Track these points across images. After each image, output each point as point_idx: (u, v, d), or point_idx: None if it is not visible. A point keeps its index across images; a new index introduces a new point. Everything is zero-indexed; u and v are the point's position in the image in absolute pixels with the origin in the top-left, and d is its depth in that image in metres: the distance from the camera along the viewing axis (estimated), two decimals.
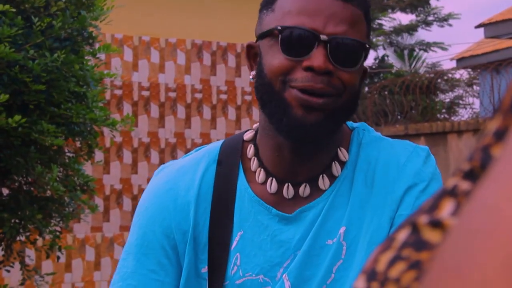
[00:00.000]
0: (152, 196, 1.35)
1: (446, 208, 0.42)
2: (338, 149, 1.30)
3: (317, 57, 1.18)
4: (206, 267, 1.30)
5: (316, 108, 1.19)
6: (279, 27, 1.20)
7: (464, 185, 0.42)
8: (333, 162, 1.29)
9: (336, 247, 1.24)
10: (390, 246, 0.44)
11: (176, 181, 1.34)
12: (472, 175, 0.42)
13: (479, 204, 0.32)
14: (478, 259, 0.29)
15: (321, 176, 1.29)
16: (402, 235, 0.44)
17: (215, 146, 1.38)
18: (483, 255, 0.29)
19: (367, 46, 1.22)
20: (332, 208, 1.27)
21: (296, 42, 1.19)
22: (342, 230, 1.25)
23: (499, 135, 0.39)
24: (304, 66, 1.19)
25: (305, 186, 1.29)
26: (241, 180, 1.32)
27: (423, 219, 0.43)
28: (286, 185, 1.28)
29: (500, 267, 0.28)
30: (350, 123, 1.37)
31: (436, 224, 0.42)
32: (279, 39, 1.19)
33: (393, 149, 1.30)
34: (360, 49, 1.21)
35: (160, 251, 1.31)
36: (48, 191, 3.92)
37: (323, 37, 1.18)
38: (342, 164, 1.30)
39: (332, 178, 1.29)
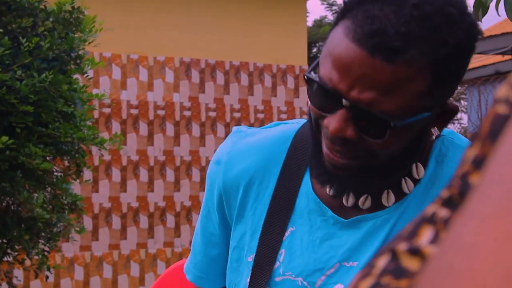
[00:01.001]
0: (221, 159, 1.30)
1: (425, 236, 0.42)
2: (414, 165, 1.16)
3: (335, 121, 1.04)
4: (253, 256, 1.24)
5: (339, 167, 1.09)
6: (306, 76, 1.07)
7: (443, 212, 0.42)
8: (404, 178, 1.16)
9: None
10: (370, 273, 0.44)
11: (240, 157, 1.28)
12: (451, 203, 0.42)
13: (456, 241, 0.32)
14: None
15: (386, 191, 1.17)
16: (382, 262, 0.44)
17: (293, 128, 1.28)
18: None
19: (393, 124, 1.01)
20: (397, 227, 1.16)
21: (319, 97, 1.06)
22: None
23: (478, 163, 0.39)
24: (324, 124, 1.07)
25: (367, 197, 1.17)
26: (306, 174, 1.23)
27: (402, 246, 0.43)
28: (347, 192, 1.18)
29: None
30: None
31: (415, 252, 0.42)
32: (307, 87, 1.08)
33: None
34: (385, 123, 1.01)
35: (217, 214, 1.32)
36: (37, 211, 3.91)
37: (345, 102, 1.02)
38: (416, 181, 1.17)
39: (401, 194, 1.17)
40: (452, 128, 14.43)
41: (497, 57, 12.60)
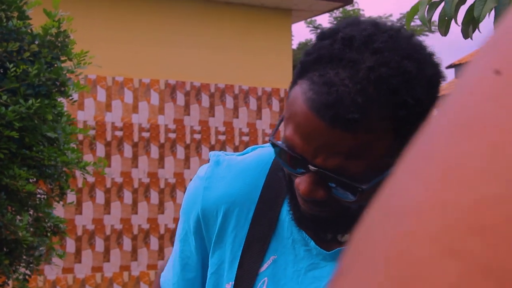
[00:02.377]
0: (192, 188, 1.32)
1: None
2: None
3: (305, 184, 1.05)
4: (231, 283, 1.24)
5: (314, 215, 1.10)
6: (270, 141, 1.08)
7: None
8: None
9: None
10: None
11: (220, 183, 1.28)
12: None
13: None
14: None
15: None
16: None
17: (271, 152, 1.26)
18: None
19: (361, 189, 1.01)
20: None
21: (287, 160, 1.06)
22: None
23: None
24: (295, 183, 1.08)
25: (344, 233, 1.18)
26: (286, 202, 1.22)
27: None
28: None
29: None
30: None
31: None
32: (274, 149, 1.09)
33: None
34: (352, 190, 1.02)
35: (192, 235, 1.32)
36: (20, 234, 3.89)
37: (312, 168, 1.02)
38: None
39: None
40: None
41: None
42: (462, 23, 1.97)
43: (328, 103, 0.96)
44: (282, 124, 1.10)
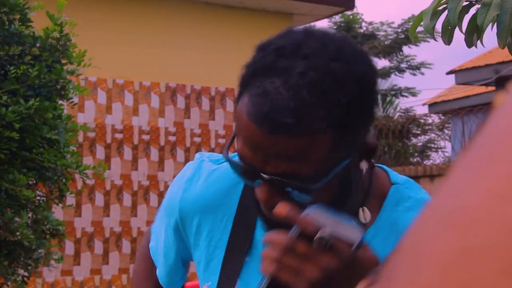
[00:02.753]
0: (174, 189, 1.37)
1: None
2: (360, 209, 1.19)
3: (262, 193, 1.09)
4: (207, 285, 1.28)
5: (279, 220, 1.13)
6: (224, 156, 1.14)
7: None
8: None
9: None
10: None
11: (197, 187, 1.33)
12: None
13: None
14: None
15: None
16: None
17: None
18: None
19: (314, 187, 1.05)
20: None
21: (243, 172, 1.12)
22: None
23: None
24: (255, 190, 1.13)
25: None
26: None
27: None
28: None
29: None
30: (393, 176, 1.24)
31: None
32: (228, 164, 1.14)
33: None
34: (305, 190, 1.06)
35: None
36: (17, 236, 3.88)
37: (264, 176, 1.06)
38: (363, 225, 1.17)
39: None
40: (435, 157, 14.52)
41: (481, 88, 12.72)
42: (465, 32, 1.97)
43: (264, 112, 1.01)
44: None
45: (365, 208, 1.19)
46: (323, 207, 1.02)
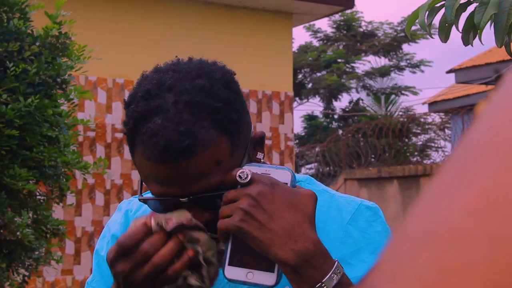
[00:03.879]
0: None
1: None
2: None
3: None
4: None
5: None
6: (140, 200, 1.21)
7: None
8: None
9: None
10: None
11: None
12: None
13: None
14: None
15: None
16: None
17: None
18: None
19: (219, 195, 1.15)
20: None
21: (163, 208, 1.18)
22: None
23: None
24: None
25: None
26: None
27: None
28: None
29: None
30: (296, 177, 1.32)
31: None
32: (148, 205, 1.21)
33: (338, 203, 1.27)
34: (221, 196, 1.14)
35: None
36: (18, 235, 3.89)
37: (182, 200, 1.15)
38: None
39: None
40: (435, 156, 14.52)
41: (481, 87, 12.73)
42: (462, 30, 1.97)
43: (162, 148, 1.09)
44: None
45: None
46: (256, 164, 1.15)
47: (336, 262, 1.07)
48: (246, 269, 1.09)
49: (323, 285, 1.03)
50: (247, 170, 1.08)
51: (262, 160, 1.25)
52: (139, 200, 1.21)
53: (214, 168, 1.12)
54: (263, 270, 1.08)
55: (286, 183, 1.10)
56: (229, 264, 1.09)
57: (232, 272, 1.09)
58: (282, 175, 1.11)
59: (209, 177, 1.13)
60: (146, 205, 1.26)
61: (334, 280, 1.04)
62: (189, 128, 1.09)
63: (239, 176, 1.08)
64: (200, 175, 1.12)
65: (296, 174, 1.30)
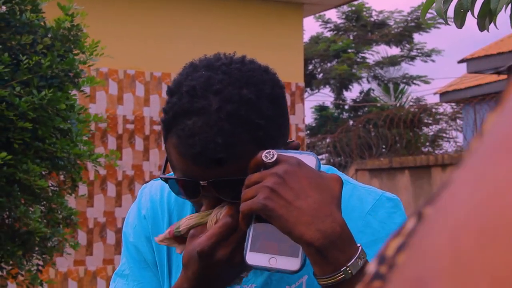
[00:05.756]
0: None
1: None
2: None
3: (205, 202, 1.19)
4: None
5: None
6: (162, 178, 1.22)
7: None
8: None
9: None
10: (400, 232, 0.48)
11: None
12: None
13: (403, 276, 0.33)
14: None
15: None
16: (410, 224, 0.47)
17: None
18: None
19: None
20: None
21: (181, 189, 1.19)
22: (304, 279, 1.24)
23: None
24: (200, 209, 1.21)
25: None
26: None
27: (427, 208, 0.46)
28: None
29: None
30: (317, 166, 1.34)
31: None
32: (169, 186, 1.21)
33: (359, 194, 1.27)
34: (239, 183, 1.13)
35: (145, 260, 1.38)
36: (31, 224, 3.91)
37: (203, 183, 1.14)
38: None
39: None
40: (447, 147, 14.47)
41: (493, 77, 12.66)
42: (478, 16, 1.96)
43: (196, 152, 1.10)
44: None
45: None
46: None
47: (360, 247, 1.05)
48: (269, 254, 1.06)
49: (348, 269, 1.01)
50: (273, 151, 1.07)
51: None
52: (161, 178, 1.21)
53: (239, 173, 1.12)
54: (287, 255, 1.06)
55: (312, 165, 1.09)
56: (250, 250, 1.07)
57: (254, 258, 1.07)
58: (307, 159, 1.09)
59: (232, 177, 1.13)
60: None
61: (358, 265, 1.02)
62: (227, 140, 1.09)
63: (265, 156, 1.07)
64: (228, 176, 1.13)
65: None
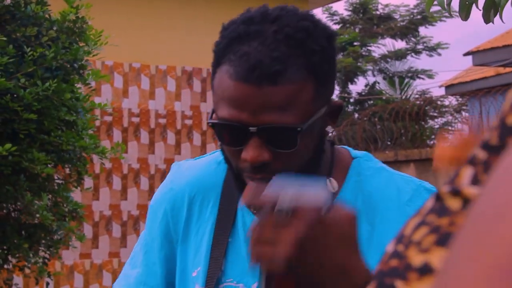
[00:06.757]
0: (157, 193, 1.39)
1: (465, 177, 0.47)
2: (327, 180, 1.25)
3: (251, 151, 1.12)
4: (197, 270, 1.30)
5: None
6: (210, 123, 1.18)
7: (481, 154, 0.46)
8: None
9: None
10: (420, 212, 0.49)
11: (182, 179, 1.35)
12: (489, 146, 0.46)
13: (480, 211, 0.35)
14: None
15: None
16: (429, 203, 0.49)
17: None
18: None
19: (300, 128, 1.12)
20: None
21: (228, 135, 1.15)
22: None
23: None
24: (242, 158, 1.15)
25: None
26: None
27: (446, 188, 0.47)
28: None
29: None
30: (353, 152, 1.31)
31: (456, 192, 0.47)
32: (215, 131, 1.17)
33: (395, 182, 1.26)
34: (293, 133, 1.12)
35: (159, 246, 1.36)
36: (37, 219, 3.92)
37: (252, 129, 1.11)
38: (331, 195, 1.23)
39: None
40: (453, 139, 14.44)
41: (499, 69, 12.62)
42: (483, 8, 1.95)
43: (250, 67, 1.08)
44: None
45: (331, 178, 1.26)
46: (289, 175, 1.03)
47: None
48: None
49: None
50: (286, 205, 0.96)
51: (330, 134, 1.21)
52: (209, 123, 1.17)
53: (291, 107, 1.10)
54: None
55: (319, 207, 0.99)
56: None
57: None
58: (316, 196, 0.98)
59: (283, 114, 1.10)
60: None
61: None
62: (282, 56, 1.08)
63: (277, 214, 0.96)
64: (276, 108, 1.10)
65: (355, 151, 1.31)
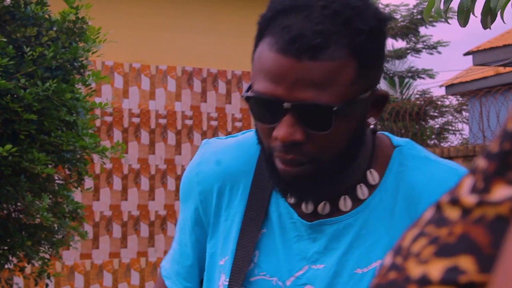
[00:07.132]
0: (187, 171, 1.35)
1: (465, 186, 0.46)
2: (368, 172, 1.21)
3: (283, 128, 1.09)
4: (225, 259, 1.27)
5: (295, 177, 1.13)
6: (244, 96, 1.12)
7: (482, 163, 0.46)
8: (359, 185, 1.21)
9: (369, 280, 1.17)
10: (417, 223, 0.48)
11: (212, 160, 1.30)
12: (489, 154, 0.46)
13: None
14: None
15: (342, 197, 1.21)
16: (428, 214, 0.48)
17: None
18: None
19: (335, 108, 1.07)
20: (362, 234, 1.19)
21: (262, 110, 1.11)
22: (377, 263, 1.19)
23: None
24: (273, 136, 1.11)
25: (325, 204, 1.21)
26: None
27: (446, 198, 0.46)
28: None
29: None
30: (395, 140, 1.25)
31: (455, 201, 0.46)
32: (249, 106, 1.13)
33: (441, 173, 1.20)
34: (329, 113, 1.07)
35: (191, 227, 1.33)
36: (38, 219, 3.92)
37: (286, 105, 1.07)
38: (371, 187, 1.21)
39: (357, 200, 1.21)
40: (453, 139, 14.44)
41: (499, 69, 12.63)
42: (481, 14, 1.96)
43: (291, 39, 1.04)
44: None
45: (372, 169, 1.21)
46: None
47: None
48: None
49: None
50: None
51: (371, 126, 1.17)
52: (243, 96, 1.13)
53: (329, 86, 1.06)
54: None
55: None
56: None
57: None
58: None
59: (320, 93, 1.06)
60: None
61: None
62: (325, 31, 1.04)
63: None
64: (313, 85, 1.05)
65: (396, 138, 1.25)
